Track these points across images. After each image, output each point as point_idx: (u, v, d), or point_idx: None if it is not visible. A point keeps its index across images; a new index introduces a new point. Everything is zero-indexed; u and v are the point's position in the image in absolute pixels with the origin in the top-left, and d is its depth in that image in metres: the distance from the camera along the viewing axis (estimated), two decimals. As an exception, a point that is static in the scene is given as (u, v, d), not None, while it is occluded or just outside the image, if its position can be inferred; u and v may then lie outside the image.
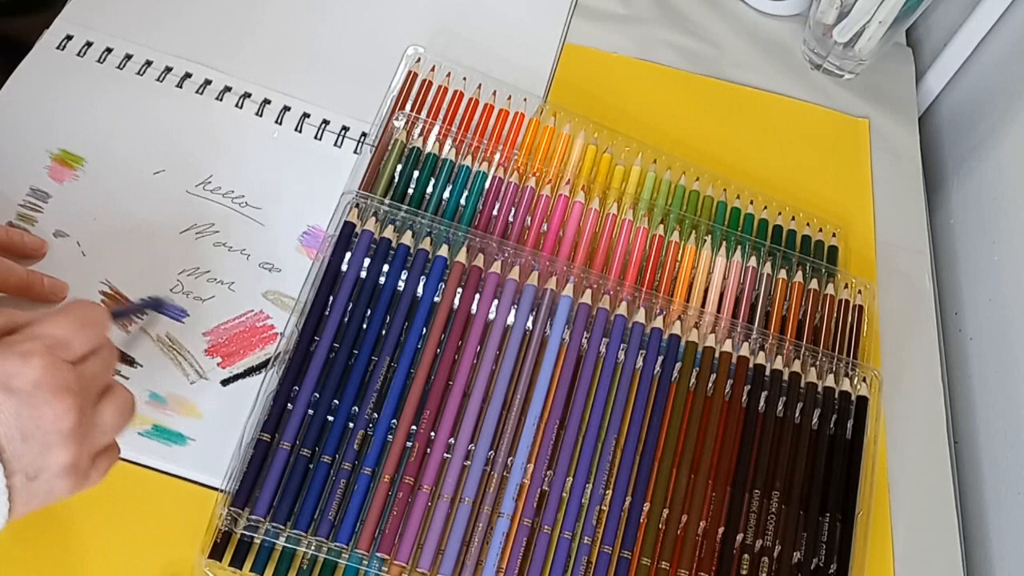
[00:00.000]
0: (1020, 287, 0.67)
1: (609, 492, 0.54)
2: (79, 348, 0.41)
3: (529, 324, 0.58)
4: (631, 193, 0.67)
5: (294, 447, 0.52)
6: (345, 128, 0.66)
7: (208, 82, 0.66)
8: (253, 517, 0.50)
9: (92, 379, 0.41)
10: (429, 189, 0.63)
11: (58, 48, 0.65)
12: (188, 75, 0.66)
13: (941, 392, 0.66)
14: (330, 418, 0.53)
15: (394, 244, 0.58)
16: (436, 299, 0.57)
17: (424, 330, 0.56)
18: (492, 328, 0.57)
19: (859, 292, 0.66)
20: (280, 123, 0.65)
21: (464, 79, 0.68)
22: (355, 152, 0.65)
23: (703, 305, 0.63)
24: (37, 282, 0.53)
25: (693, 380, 0.58)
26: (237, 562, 0.49)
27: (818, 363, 0.61)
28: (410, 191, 0.62)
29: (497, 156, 0.65)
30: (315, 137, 0.65)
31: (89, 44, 0.66)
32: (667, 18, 0.80)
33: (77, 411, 0.39)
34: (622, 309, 0.59)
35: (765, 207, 0.69)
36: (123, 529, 0.50)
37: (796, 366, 0.60)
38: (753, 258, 0.65)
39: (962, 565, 0.59)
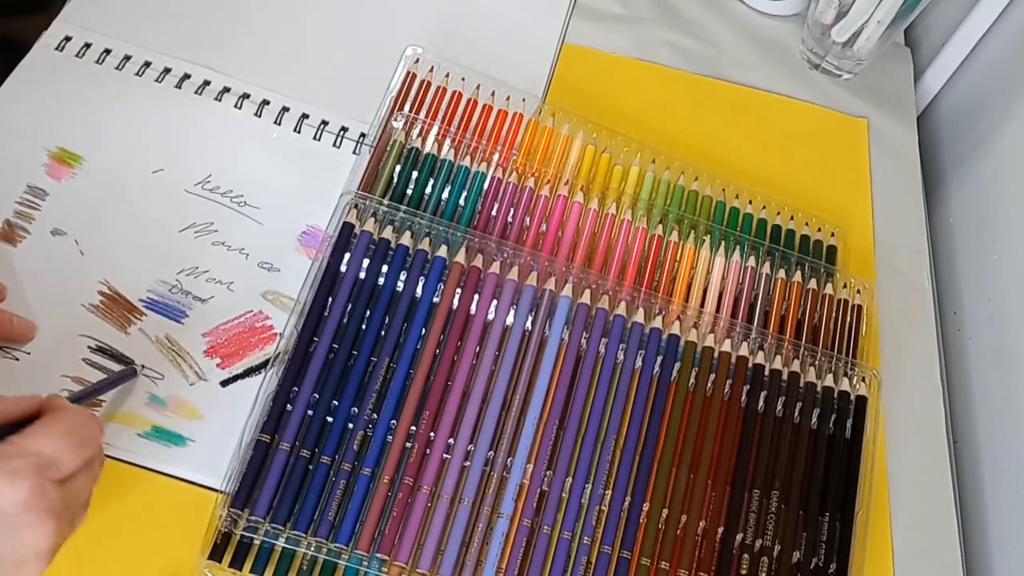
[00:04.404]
0: (1019, 286, 0.67)
1: (608, 492, 0.54)
2: (69, 467, 0.40)
3: (528, 324, 0.58)
4: (630, 193, 0.67)
5: (293, 448, 0.52)
6: (344, 128, 0.66)
7: (207, 83, 0.66)
8: (253, 518, 0.50)
9: (77, 495, 0.41)
10: (428, 189, 0.62)
11: (57, 49, 0.65)
12: (187, 76, 0.66)
13: (940, 391, 0.66)
14: (329, 419, 0.53)
15: (393, 244, 0.58)
16: (435, 299, 0.57)
17: (423, 330, 0.56)
18: (491, 328, 0.57)
19: (858, 291, 0.66)
20: (279, 123, 0.65)
21: (463, 79, 0.68)
22: (354, 152, 0.65)
23: (702, 305, 0.63)
24: (5, 321, 0.52)
25: (692, 380, 0.58)
26: (237, 563, 0.49)
27: (817, 363, 0.61)
28: (409, 191, 0.62)
29: (496, 156, 0.65)
30: (314, 138, 0.65)
31: (88, 45, 0.66)
32: (666, 18, 0.80)
33: (57, 534, 0.39)
34: (621, 309, 0.59)
35: (764, 207, 0.69)
36: (123, 531, 0.50)
37: (795, 366, 0.60)
38: (752, 258, 0.65)
39: (962, 565, 0.59)
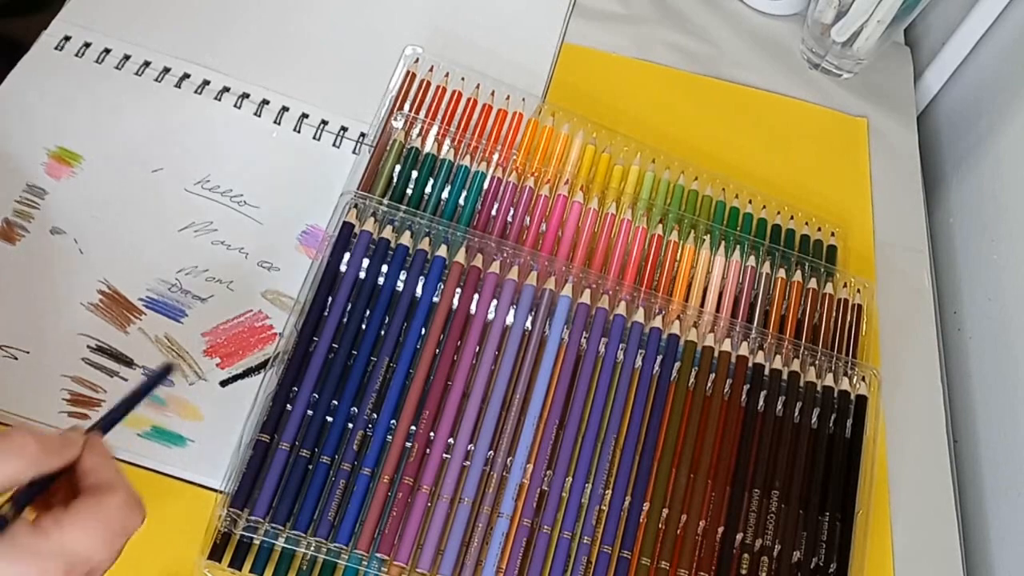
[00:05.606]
0: (1020, 286, 0.67)
1: (608, 492, 0.54)
2: (100, 563, 0.38)
3: (528, 324, 0.58)
4: (630, 193, 0.67)
5: (293, 448, 0.52)
6: (344, 128, 0.66)
7: (207, 82, 0.66)
8: (252, 518, 0.50)
9: None
10: (428, 189, 0.62)
11: (56, 49, 0.65)
12: (187, 75, 0.66)
13: (940, 391, 0.66)
14: (329, 419, 0.53)
15: (393, 244, 0.58)
16: (435, 299, 0.57)
17: (423, 330, 0.56)
18: (491, 328, 0.57)
19: (858, 291, 0.66)
20: (279, 123, 0.65)
21: (462, 79, 0.68)
22: (354, 152, 0.65)
23: (702, 304, 0.63)
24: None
25: (692, 379, 0.58)
26: (236, 563, 0.49)
27: (817, 362, 0.61)
28: (409, 191, 0.62)
29: (496, 156, 0.65)
30: (314, 137, 0.65)
31: (87, 45, 0.66)
32: (665, 18, 0.80)
33: None
34: (621, 309, 0.59)
35: (764, 206, 0.69)
36: (122, 530, 0.50)
37: (795, 365, 0.60)
38: (752, 257, 0.65)
39: (962, 565, 0.59)
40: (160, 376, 0.49)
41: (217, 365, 0.56)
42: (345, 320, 0.56)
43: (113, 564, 0.39)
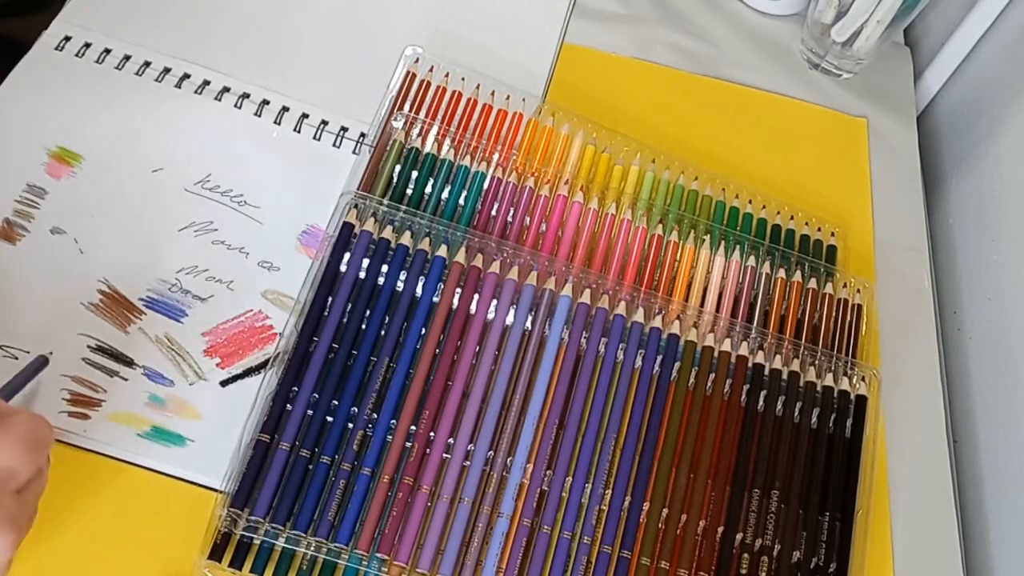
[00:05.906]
0: (1020, 286, 0.67)
1: (608, 492, 0.54)
2: (24, 476, 0.39)
3: (528, 324, 0.58)
4: (630, 193, 0.67)
5: (293, 448, 0.52)
6: (344, 128, 0.66)
7: (207, 83, 0.66)
8: (252, 518, 0.50)
9: (33, 501, 0.40)
10: (428, 189, 0.62)
11: (56, 49, 0.65)
12: (187, 76, 0.66)
13: (940, 391, 0.66)
14: (329, 418, 0.53)
15: (393, 244, 0.58)
16: (435, 299, 0.57)
17: (423, 330, 0.56)
18: (491, 328, 0.57)
19: (858, 291, 0.66)
20: (279, 123, 0.65)
21: (463, 79, 0.68)
22: (354, 152, 0.65)
23: (702, 304, 0.63)
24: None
25: (692, 379, 0.58)
26: (236, 563, 0.49)
27: (817, 362, 0.61)
28: (409, 191, 0.62)
29: (496, 156, 0.65)
30: (314, 137, 0.65)
31: (88, 45, 0.66)
32: (665, 18, 0.80)
33: (15, 545, 0.38)
34: (621, 308, 0.59)
35: (764, 206, 0.69)
36: (122, 531, 0.50)
37: (795, 365, 0.60)
38: (752, 257, 0.65)
39: (962, 564, 0.59)
40: (37, 368, 0.49)
41: (217, 365, 0.56)
42: (345, 320, 0.56)
43: (37, 479, 0.40)
